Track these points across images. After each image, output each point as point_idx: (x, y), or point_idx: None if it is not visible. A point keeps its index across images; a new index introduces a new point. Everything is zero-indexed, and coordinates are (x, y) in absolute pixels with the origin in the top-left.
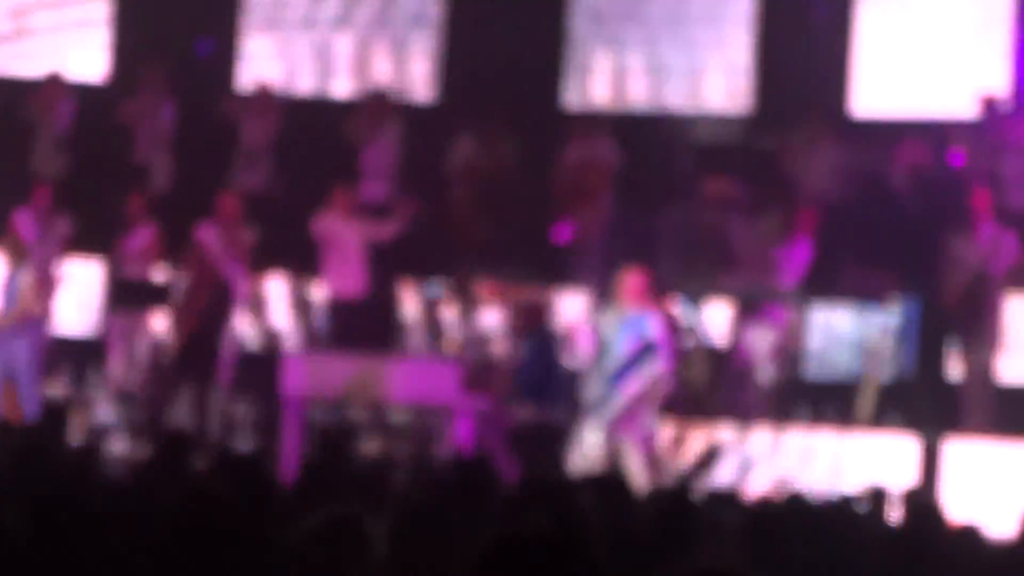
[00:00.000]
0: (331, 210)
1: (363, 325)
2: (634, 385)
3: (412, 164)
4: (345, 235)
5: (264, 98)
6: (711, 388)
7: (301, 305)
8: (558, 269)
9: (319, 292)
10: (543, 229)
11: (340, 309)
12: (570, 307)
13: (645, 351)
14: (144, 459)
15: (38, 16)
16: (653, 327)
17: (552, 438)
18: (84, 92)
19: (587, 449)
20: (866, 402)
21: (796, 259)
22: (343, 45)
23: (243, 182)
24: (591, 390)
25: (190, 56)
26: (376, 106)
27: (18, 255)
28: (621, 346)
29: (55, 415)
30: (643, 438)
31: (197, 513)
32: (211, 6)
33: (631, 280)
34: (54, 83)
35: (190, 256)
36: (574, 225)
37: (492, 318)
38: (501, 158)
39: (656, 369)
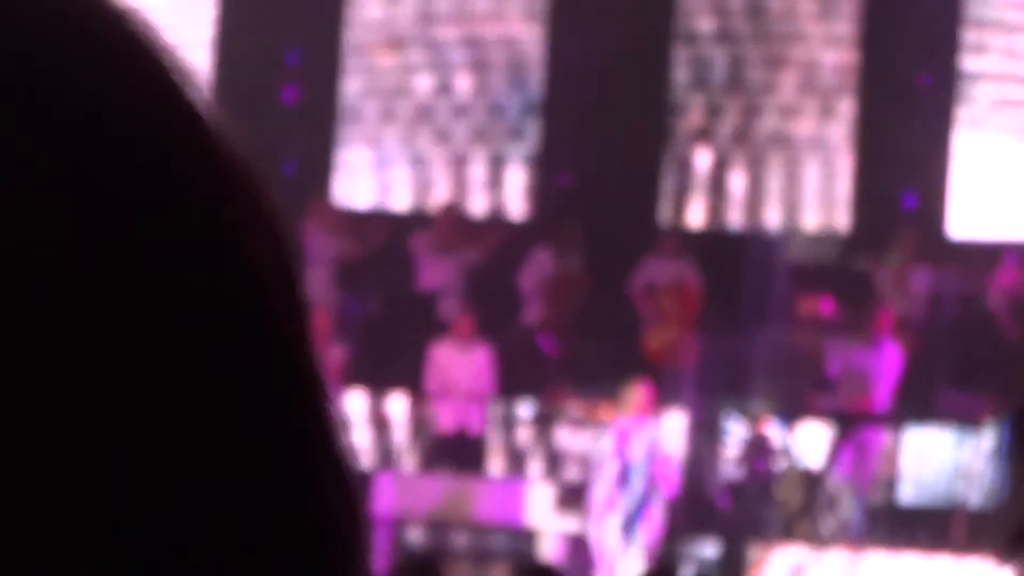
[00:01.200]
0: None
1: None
2: None
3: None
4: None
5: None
6: (804, 511)
7: (383, 422)
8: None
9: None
10: (635, 348)
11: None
12: (669, 428)
13: None
14: None
15: None
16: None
17: None
18: None
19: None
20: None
21: (886, 368)
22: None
23: (334, 300)
24: None
25: (279, 174)
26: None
27: None
28: None
29: None
30: None
31: None
32: (307, 120)
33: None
34: None
35: None
36: (665, 348)
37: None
38: (581, 273)
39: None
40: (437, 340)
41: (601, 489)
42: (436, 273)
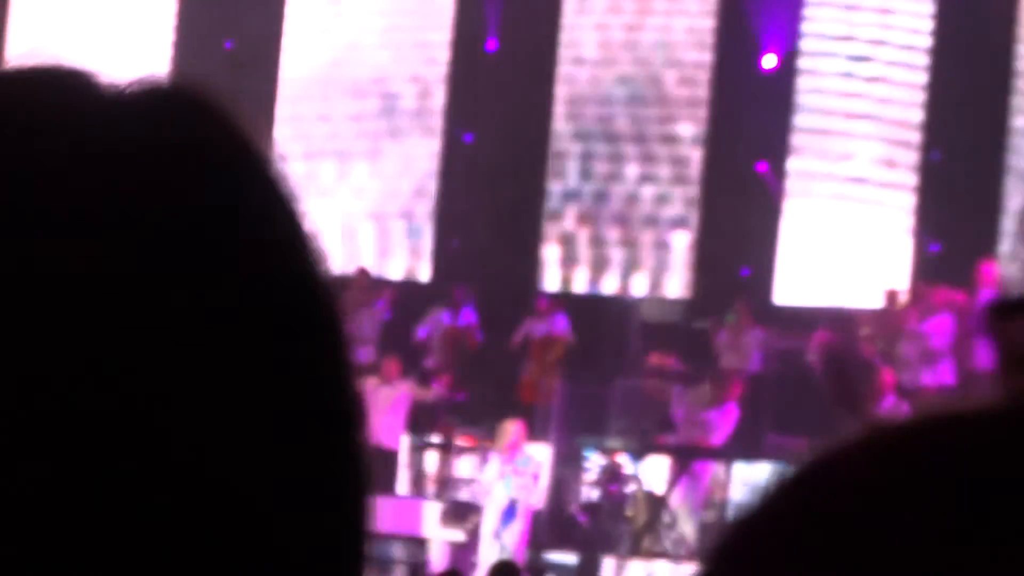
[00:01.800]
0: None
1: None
2: None
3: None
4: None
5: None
6: (649, 527)
7: None
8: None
9: None
10: (512, 391)
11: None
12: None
13: None
14: None
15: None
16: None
17: None
18: None
19: None
20: None
21: (725, 422)
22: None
23: None
24: None
25: None
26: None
27: None
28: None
29: None
30: None
31: None
32: None
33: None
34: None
35: None
36: (536, 391)
37: (468, 464)
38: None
39: None
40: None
41: (491, 508)
42: (355, 325)
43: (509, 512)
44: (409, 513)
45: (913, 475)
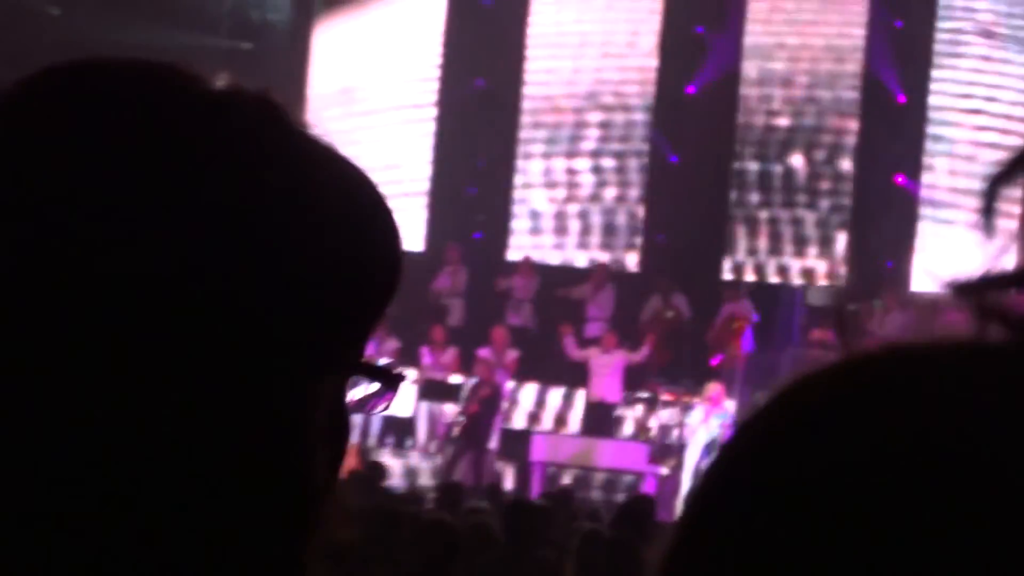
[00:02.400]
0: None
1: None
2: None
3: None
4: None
5: (527, 265)
6: None
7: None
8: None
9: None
10: (705, 359)
11: (595, 407)
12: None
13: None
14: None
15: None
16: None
17: None
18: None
19: None
20: None
21: None
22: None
23: (511, 321)
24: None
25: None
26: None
27: None
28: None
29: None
30: None
31: (475, 527)
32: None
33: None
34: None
35: (475, 368)
36: (723, 358)
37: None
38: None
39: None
40: (587, 349)
41: (694, 446)
42: (595, 306)
43: (708, 449)
44: (629, 453)
45: (843, 401)
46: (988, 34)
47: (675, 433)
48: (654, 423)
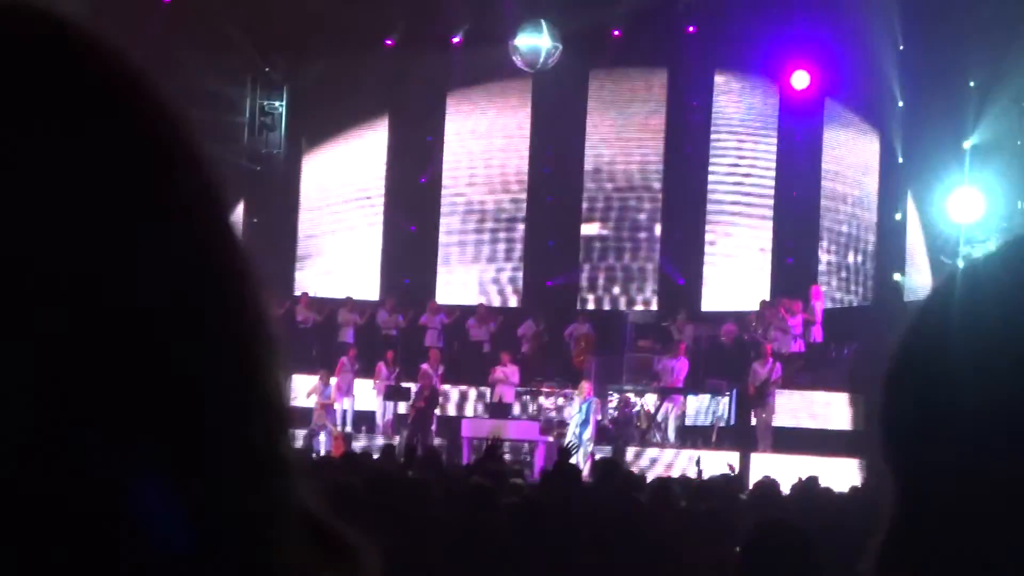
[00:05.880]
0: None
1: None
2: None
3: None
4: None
5: (446, 307)
6: (646, 431)
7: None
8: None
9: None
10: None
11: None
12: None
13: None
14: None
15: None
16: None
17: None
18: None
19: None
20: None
21: (681, 371)
22: None
23: (438, 344)
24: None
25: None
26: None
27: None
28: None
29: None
30: None
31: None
32: None
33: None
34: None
35: (419, 377)
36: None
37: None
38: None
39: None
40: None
41: (572, 422)
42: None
43: (584, 424)
44: (526, 428)
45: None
46: None
47: (554, 414)
48: (540, 407)
